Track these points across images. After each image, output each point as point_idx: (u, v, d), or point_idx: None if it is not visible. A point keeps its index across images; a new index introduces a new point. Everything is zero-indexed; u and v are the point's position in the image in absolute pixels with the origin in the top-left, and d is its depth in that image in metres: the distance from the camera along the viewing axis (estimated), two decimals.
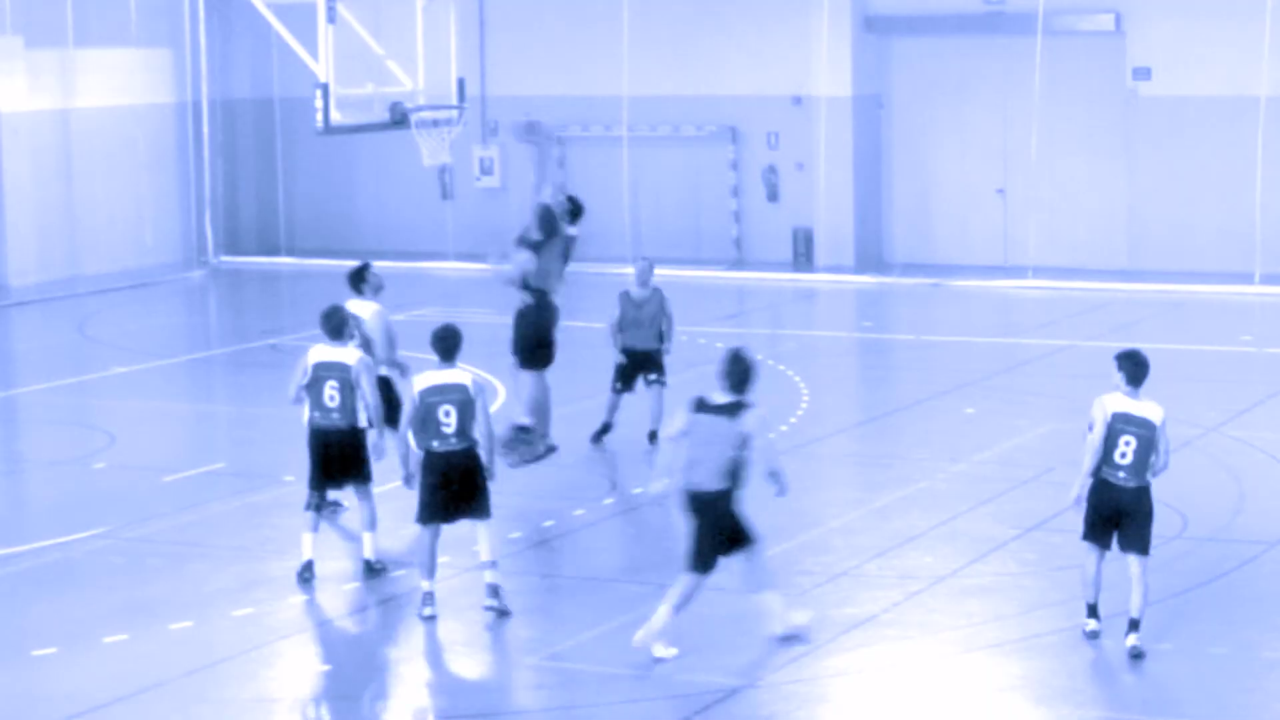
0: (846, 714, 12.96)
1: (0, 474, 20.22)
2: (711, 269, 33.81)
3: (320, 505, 15.94)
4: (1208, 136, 32.56)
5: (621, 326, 20.00)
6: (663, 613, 13.77)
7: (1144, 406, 13.53)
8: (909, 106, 34.71)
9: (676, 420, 14.02)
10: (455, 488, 14.48)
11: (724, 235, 35.32)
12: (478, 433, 14.50)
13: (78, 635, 14.32)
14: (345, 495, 17.25)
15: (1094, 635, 13.76)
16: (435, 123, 24.33)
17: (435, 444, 14.46)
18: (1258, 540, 16.49)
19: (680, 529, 14.02)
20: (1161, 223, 33.02)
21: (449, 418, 14.42)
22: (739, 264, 34.75)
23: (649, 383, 19.90)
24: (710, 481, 13.75)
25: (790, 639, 13.97)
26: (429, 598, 14.58)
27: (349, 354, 15.85)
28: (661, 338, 20.00)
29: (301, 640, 14.44)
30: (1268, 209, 31.92)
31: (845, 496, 18.53)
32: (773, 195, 35.05)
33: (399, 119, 23.68)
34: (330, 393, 15.71)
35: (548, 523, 17.21)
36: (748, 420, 13.78)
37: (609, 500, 18.17)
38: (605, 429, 20.06)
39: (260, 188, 38.07)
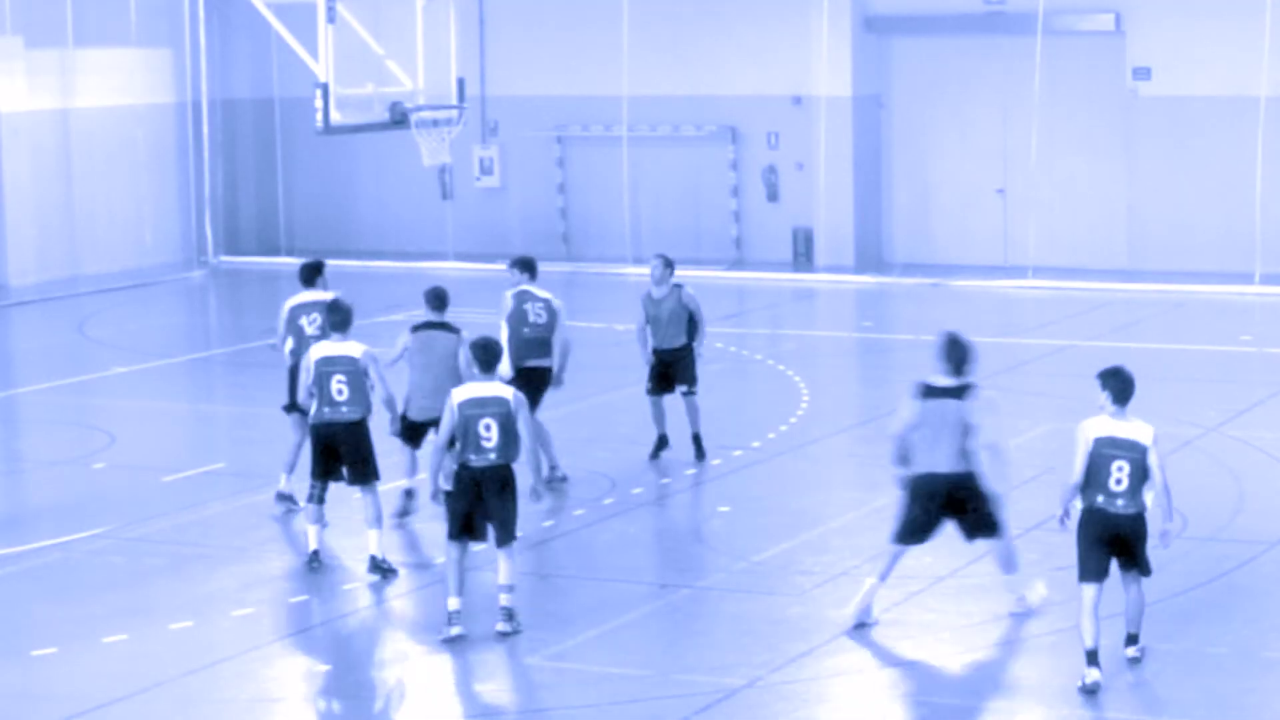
0: (846, 714, 12.96)
1: (0, 474, 20.23)
2: (711, 269, 33.81)
3: (322, 497, 15.96)
4: (1208, 136, 32.56)
5: (649, 329, 19.45)
6: (869, 585, 14.25)
7: (1132, 428, 13.04)
8: (909, 106, 34.72)
9: (904, 410, 14.27)
10: (485, 503, 14.12)
11: (724, 235, 35.33)
12: (519, 449, 14.17)
13: (78, 635, 14.32)
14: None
15: (1094, 689, 12.90)
16: (435, 123, 24.34)
17: (473, 458, 14.08)
18: (1258, 540, 16.49)
19: (903, 507, 14.25)
20: (1161, 223, 33.03)
21: (489, 432, 14.07)
22: (739, 264, 34.76)
23: (684, 394, 19.37)
24: (949, 464, 13.95)
25: (1022, 615, 14.35)
26: (455, 616, 14.15)
27: (354, 347, 15.88)
28: (689, 335, 19.41)
29: (301, 640, 14.44)
30: (1268, 209, 31.92)
31: (845, 496, 18.52)
32: (773, 195, 35.06)
33: (399, 119, 23.69)
34: (338, 386, 15.74)
35: (547, 523, 17.20)
36: (976, 401, 14.07)
37: (609, 500, 18.17)
38: (661, 443, 19.53)
39: (260, 188, 38.08)
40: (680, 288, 19.49)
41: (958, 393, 14.16)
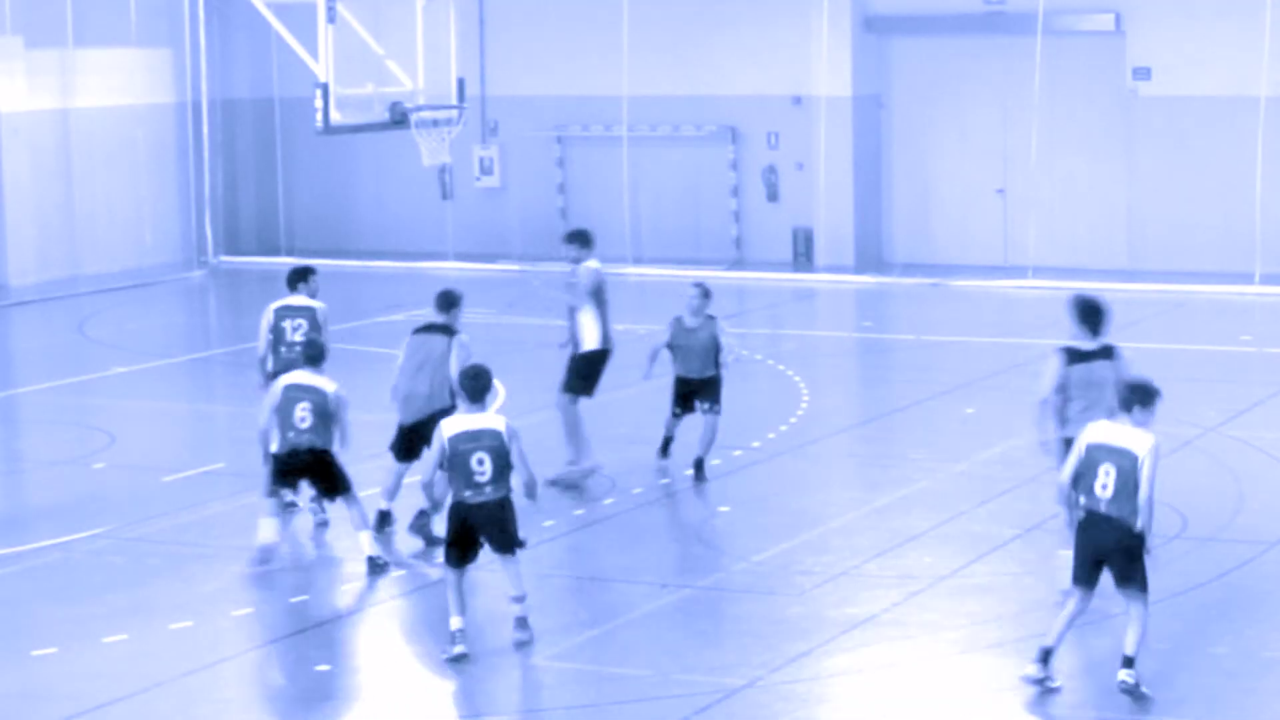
0: (846, 714, 12.97)
1: (0, 474, 20.23)
2: (711, 269, 33.81)
3: (277, 493, 15.99)
4: (1208, 136, 32.57)
5: (673, 354, 19.11)
6: None
7: (1128, 434, 12.80)
8: (909, 106, 34.73)
9: (1048, 375, 14.45)
10: (482, 537, 13.91)
11: (724, 235, 35.34)
12: (515, 480, 13.88)
13: (78, 635, 14.33)
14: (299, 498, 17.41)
15: (1032, 683, 12.93)
16: (435, 122, 24.34)
17: (468, 494, 13.75)
18: (1258, 540, 16.49)
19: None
20: (1161, 223, 33.04)
21: (483, 466, 13.71)
22: (739, 264, 34.77)
23: (705, 410, 19.01)
24: None
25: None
26: (458, 635, 13.88)
27: (326, 383, 15.85)
28: (717, 364, 19.07)
29: (301, 640, 14.44)
30: (1268, 209, 31.93)
31: (845, 496, 18.53)
32: (773, 195, 35.07)
33: (399, 119, 23.68)
34: (301, 413, 15.69)
35: (548, 522, 17.20)
36: (1124, 359, 14.42)
37: (609, 500, 18.18)
38: (667, 443, 19.32)
39: (260, 188, 38.09)
40: (714, 320, 19.14)
41: (1105, 354, 14.39)
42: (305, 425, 15.69)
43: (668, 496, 18.58)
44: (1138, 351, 24.76)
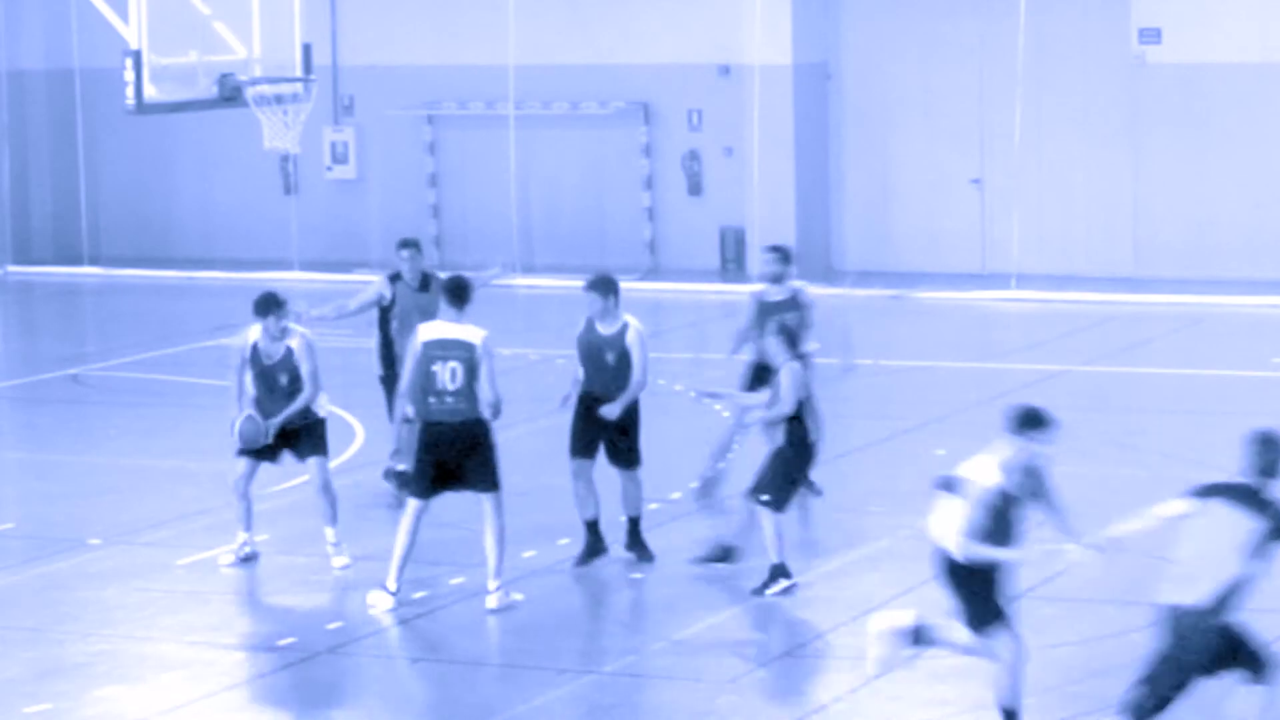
0: None
1: None
2: (620, 279, 33.83)
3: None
4: (1229, 112, 32.85)
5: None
6: None
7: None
8: (863, 77, 34.89)
9: None
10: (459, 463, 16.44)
11: (635, 237, 35.41)
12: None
13: None
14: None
15: None
16: (279, 98, 24.30)
17: (432, 402, 16.32)
18: None
19: None
20: (1174, 221, 33.26)
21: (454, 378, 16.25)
22: (654, 273, 34.86)
23: None
24: None
25: None
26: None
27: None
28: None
29: None
30: None
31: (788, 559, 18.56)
32: (695, 188, 35.20)
33: (230, 94, 23.64)
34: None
35: (419, 594, 17.21)
36: None
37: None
38: None
39: (57, 180, 37.89)
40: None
41: None
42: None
43: (564, 561, 18.58)
44: (1146, 377, 24.99)
